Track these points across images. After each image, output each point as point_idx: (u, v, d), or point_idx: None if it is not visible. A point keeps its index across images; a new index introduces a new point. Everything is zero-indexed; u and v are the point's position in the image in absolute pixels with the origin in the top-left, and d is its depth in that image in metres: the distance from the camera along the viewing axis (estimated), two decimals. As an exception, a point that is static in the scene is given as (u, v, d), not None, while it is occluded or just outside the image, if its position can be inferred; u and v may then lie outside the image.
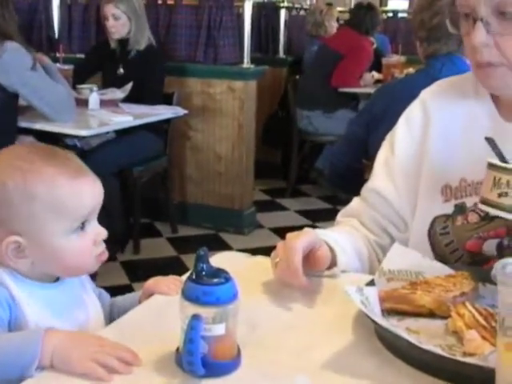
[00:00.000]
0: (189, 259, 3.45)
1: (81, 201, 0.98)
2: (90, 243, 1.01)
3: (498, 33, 1.02)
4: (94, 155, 3.27)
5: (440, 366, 0.83)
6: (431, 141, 1.21)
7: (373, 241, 1.27)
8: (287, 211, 4.50)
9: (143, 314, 1.03)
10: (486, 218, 1.12)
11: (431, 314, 0.96)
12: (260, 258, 1.25)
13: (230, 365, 0.85)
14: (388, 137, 1.32)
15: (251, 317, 0.96)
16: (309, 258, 1.09)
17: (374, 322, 0.89)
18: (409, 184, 1.23)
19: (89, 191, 1.00)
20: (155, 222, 4.02)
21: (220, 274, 0.84)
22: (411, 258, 1.09)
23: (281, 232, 4.07)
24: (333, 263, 1.14)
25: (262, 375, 0.85)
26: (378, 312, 0.93)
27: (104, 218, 3.63)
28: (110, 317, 1.13)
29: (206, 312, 0.82)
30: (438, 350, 0.83)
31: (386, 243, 1.25)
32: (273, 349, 0.92)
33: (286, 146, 4.91)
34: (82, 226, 1.00)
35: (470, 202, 1.14)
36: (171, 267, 3.34)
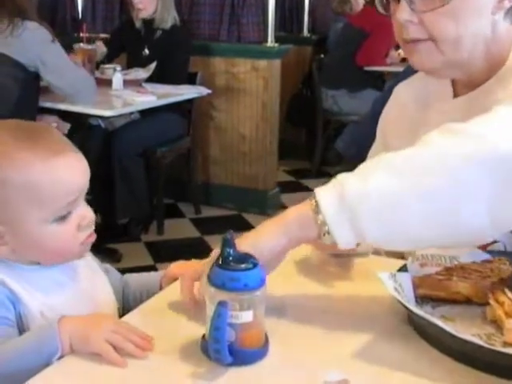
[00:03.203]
0: (212, 240, 3.43)
1: (60, 186, 0.89)
2: (73, 229, 0.92)
3: (421, 10, 1.05)
4: (119, 136, 3.27)
5: (478, 355, 0.79)
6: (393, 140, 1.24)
7: None
8: (311, 192, 4.44)
9: (168, 299, 1.00)
10: None
11: (467, 301, 0.92)
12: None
13: (257, 353, 0.82)
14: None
15: (278, 303, 0.93)
16: None
17: (408, 309, 0.86)
18: None
19: (69, 174, 0.90)
20: (178, 202, 4.01)
21: (247, 258, 0.81)
22: (445, 243, 1.04)
23: (305, 213, 4.06)
24: None
25: (290, 364, 0.82)
26: (411, 299, 0.89)
27: (128, 197, 3.61)
28: (123, 295, 1.10)
29: (232, 298, 0.79)
30: (477, 340, 0.79)
31: None
32: (301, 336, 0.89)
33: (310, 126, 4.86)
34: (66, 214, 0.91)
35: None
36: (195, 248, 3.32)
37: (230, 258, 0.80)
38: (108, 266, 1.12)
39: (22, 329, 0.91)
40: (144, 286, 1.11)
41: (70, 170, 0.91)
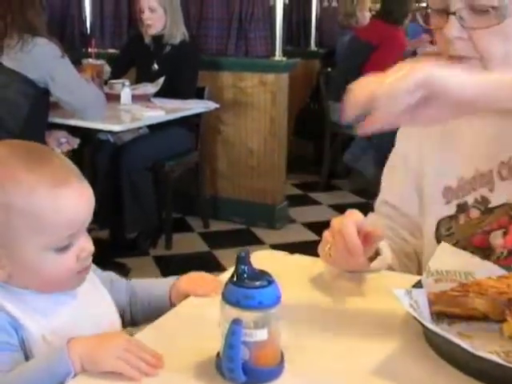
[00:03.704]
0: (221, 254, 3.42)
1: (63, 217, 0.88)
2: (72, 260, 0.91)
3: (471, 26, 1.03)
4: (127, 150, 3.28)
5: (496, 373, 0.78)
6: (425, 145, 1.22)
7: (395, 248, 1.23)
8: (320, 205, 4.45)
9: (181, 316, 0.99)
10: (487, 211, 1.13)
11: (484, 318, 0.91)
12: (298, 257, 1.20)
13: (272, 371, 0.81)
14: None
15: (292, 320, 0.91)
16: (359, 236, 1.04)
17: (424, 326, 0.85)
18: (415, 192, 1.24)
19: (73, 207, 0.89)
20: (187, 216, 4.01)
21: (262, 276, 0.80)
22: (460, 258, 1.04)
23: (313, 227, 4.05)
24: (376, 252, 1.11)
25: (306, 382, 0.81)
26: (427, 316, 0.88)
27: (137, 212, 3.62)
28: (131, 303, 1.08)
29: (247, 316, 0.78)
30: (494, 357, 0.77)
31: (409, 251, 1.25)
32: (316, 353, 0.88)
33: (318, 140, 4.85)
34: (67, 245, 0.90)
35: (470, 199, 1.14)
36: (204, 262, 3.32)
37: (245, 276, 0.79)
38: (112, 274, 1.10)
39: (25, 354, 0.89)
40: (152, 295, 1.09)
41: (75, 202, 0.90)
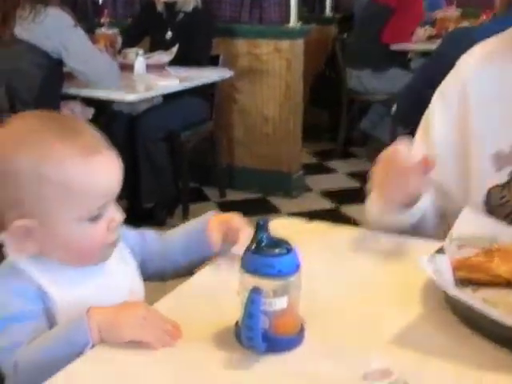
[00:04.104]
0: (238, 223, 3.41)
1: (95, 188, 0.88)
2: (103, 230, 0.90)
3: None
4: (142, 121, 3.26)
5: (523, 341, 0.76)
6: (472, 113, 1.16)
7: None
8: (336, 173, 4.41)
9: (200, 284, 0.98)
10: None
11: (509, 284, 0.89)
12: (317, 224, 1.18)
13: (292, 340, 0.80)
14: (423, 120, 1.25)
15: (312, 288, 0.89)
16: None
17: (447, 293, 0.83)
18: (455, 164, 1.18)
19: (105, 175, 0.89)
20: (203, 186, 3.99)
21: (281, 244, 0.78)
22: (484, 223, 1.01)
23: (330, 195, 4.03)
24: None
25: (327, 352, 0.80)
26: (451, 282, 0.86)
27: (153, 182, 3.62)
28: (162, 257, 1.06)
29: (266, 285, 0.76)
30: (521, 325, 0.75)
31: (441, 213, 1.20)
32: (337, 322, 0.86)
33: (334, 107, 4.79)
34: (97, 215, 0.89)
35: None
36: (220, 232, 3.30)
37: (264, 244, 0.77)
38: (144, 231, 1.08)
39: (51, 323, 0.89)
40: (190, 248, 1.05)
41: (107, 172, 0.89)
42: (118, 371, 0.78)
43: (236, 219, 1.04)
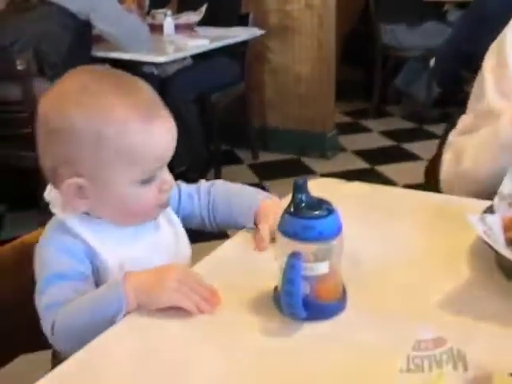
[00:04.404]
0: (271, 186, 3.37)
1: (153, 151, 0.86)
2: (155, 192, 0.89)
3: None
4: (172, 82, 3.22)
5: None
6: None
7: None
8: (371, 133, 4.32)
9: (237, 248, 0.94)
10: None
11: None
12: (356, 184, 1.13)
13: (334, 306, 0.76)
14: (495, 47, 1.17)
15: (354, 251, 0.85)
16: None
17: (498, 253, 0.77)
18: None
19: (163, 139, 0.87)
20: (235, 148, 3.95)
21: (321, 205, 0.73)
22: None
23: (365, 155, 3.95)
24: None
25: (371, 318, 0.76)
26: (502, 243, 0.81)
27: (185, 145, 3.59)
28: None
29: (306, 249, 0.72)
30: None
31: None
32: (381, 287, 0.82)
33: (367, 64, 4.68)
34: (151, 178, 0.88)
35: None
36: (254, 194, 3.27)
37: (303, 205, 0.73)
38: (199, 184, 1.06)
39: (99, 283, 0.88)
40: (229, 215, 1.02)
41: (165, 135, 0.87)
42: (154, 338, 0.75)
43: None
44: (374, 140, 4.13)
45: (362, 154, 3.86)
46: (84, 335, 0.76)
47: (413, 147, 3.85)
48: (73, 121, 0.83)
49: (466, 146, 1.16)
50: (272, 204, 0.98)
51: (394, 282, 0.83)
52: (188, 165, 3.40)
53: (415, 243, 0.92)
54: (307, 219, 0.72)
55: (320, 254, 0.73)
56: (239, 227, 1.00)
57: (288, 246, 0.72)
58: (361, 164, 3.70)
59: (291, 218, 0.73)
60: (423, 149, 3.72)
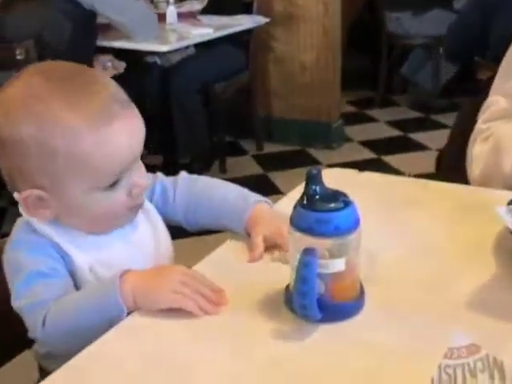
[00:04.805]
0: (276, 177, 3.33)
1: (111, 158, 0.78)
2: (122, 196, 0.82)
3: None
4: (176, 72, 3.18)
5: None
6: None
7: None
8: (377, 122, 4.27)
9: (243, 244, 0.88)
10: None
11: None
12: (370, 174, 1.07)
13: (351, 306, 0.71)
14: None
15: (370, 246, 0.79)
16: None
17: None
18: None
19: (123, 143, 0.78)
20: (240, 139, 3.90)
21: (337, 196, 0.68)
22: None
23: (371, 145, 3.90)
24: None
25: (391, 319, 0.70)
26: (531, 237, 0.75)
27: (188, 136, 3.54)
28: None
29: (321, 244, 0.66)
30: None
31: None
32: (400, 286, 0.76)
33: (373, 53, 4.62)
34: (115, 182, 0.80)
35: None
36: (258, 186, 3.20)
37: (317, 197, 0.67)
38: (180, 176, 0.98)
39: (76, 284, 0.82)
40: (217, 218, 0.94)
41: (124, 139, 0.78)
42: (156, 341, 0.70)
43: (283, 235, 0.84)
44: (380, 130, 4.08)
45: (368, 144, 3.80)
46: (79, 334, 0.72)
47: (420, 137, 3.80)
48: (19, 133, 0.76)
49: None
50: (265, 210, 0.90)
51: (415, 279, 0.77)
52: (192, 156, 3.35)
53: (436, 236, 0.87)
54: (322, 212, 0.66)
55: (336, 250, 0.67)
56: (227, 230, 0.92)
57: (301, 241, 0.67)
58: (367, 154, 3.64)
59: (304, 211, 0.67)
60: (431, 139, 3.67)
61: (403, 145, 3.75)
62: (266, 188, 3.17)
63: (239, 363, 0.65)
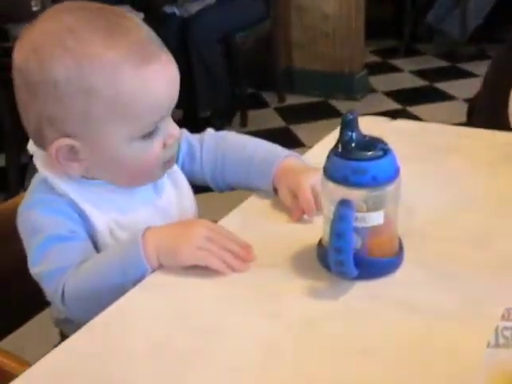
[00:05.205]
0: (299, 129, 3.27)
1: (150, 100, 0.74)
2: (158, 147, 0.77)
3: None
4: (195, 23, 3.12)
5: None
6: None
7: None
8: (402, 72, 4.17)
9: (270, 197, 0.83)
10: None
11: None
12: (404, 122, 1.01)
13: (389, 262, 0.67)
14: None
15: (409, 198, 0.74)
16: None
17: None
18: None
19: (161, 86, 0.74)
20: (261, 91, 3.83)
21: (375, 144, 0.62)
22: None
23: (396, 95, 3.80)
24: None
25: (430, 276, 0.65)
26: None
27: (209, 89, 3.47)
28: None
29: (358, 196, 0.61)
30: None
31: None
32: (441, 241, 0.71)
33: (398, 0, 4.48)
34: (152, 131, 0.76)
35: None
36: (280, 139, 3.12)
37: (353, 145, 0.61)
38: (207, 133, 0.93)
39: (94, 247, 0.78)
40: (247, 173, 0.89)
41: (165, 80, 0.75)
42: (181, 301, 0.67)
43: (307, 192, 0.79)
44: (405, 80, 3.98)
45: (392, 94, 3.72)
46: (102, 299, 0.68)
47: (446, 86, 3.70)
48: (53, 73, 0.71)
49: None
50: (295, 163, 0.85)
51: (456, 234, 0.72)
52: (213, 110, 3.31)
53: (478, 186, 0.81)
54: (358, 161, 0.61)
55: (373, 203, 0.62)
56: (252, 189, 0.87)
57: (336, 192, 0.62)
58: (392, 105, 3.56)
59: (339, 159, 0.62)
60: (458, 88, 3.58)
61: (429, 95, 3.66)
62: (289, 141, 3.11)
63: (269, 324, 0.61)
